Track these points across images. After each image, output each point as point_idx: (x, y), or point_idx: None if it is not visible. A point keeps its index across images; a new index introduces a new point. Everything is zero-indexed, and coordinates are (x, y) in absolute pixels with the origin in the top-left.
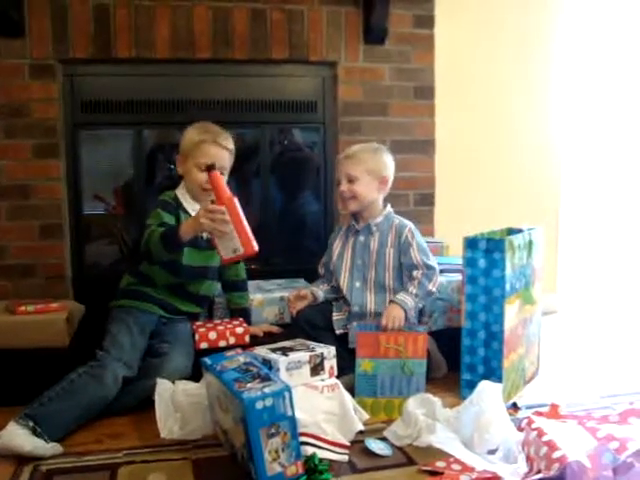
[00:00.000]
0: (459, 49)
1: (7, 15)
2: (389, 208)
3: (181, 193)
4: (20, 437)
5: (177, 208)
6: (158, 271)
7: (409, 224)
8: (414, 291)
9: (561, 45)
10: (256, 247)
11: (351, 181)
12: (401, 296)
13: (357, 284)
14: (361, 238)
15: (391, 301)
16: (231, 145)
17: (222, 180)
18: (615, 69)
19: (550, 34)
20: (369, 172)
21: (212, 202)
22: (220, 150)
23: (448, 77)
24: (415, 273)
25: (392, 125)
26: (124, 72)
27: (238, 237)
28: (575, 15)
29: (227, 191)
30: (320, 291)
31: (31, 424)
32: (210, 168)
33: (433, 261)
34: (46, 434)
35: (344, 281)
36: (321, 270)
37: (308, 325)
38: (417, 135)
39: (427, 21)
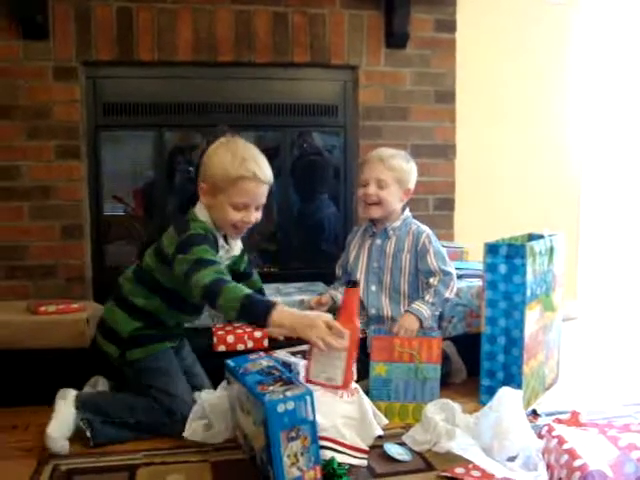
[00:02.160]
0: (480, 53)
1: (31, 18)
2: (407, 212)
3: (207, 222)
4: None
5: (216, 244)
6: (166, 311)
7: (426, 230)
8: (430, 300)
9: (582, 49)
10: (352, 385)
11: (380, 187)
12: (417, 305)
13: (372, 287)
14: (378, 241)
15: (406, 310)
16: (271, 174)
17: (357, 301)
18: (635, 73)
19: (570, 38)
20: (398, 181)
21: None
22: (261, 187)
23: (469, 82)
24: (432, 280)
25: (412, 129)
26: (146, 75)
27: (342, 368)
28: (595, 19)
29: (356, 318)
30: (339, 294)
31: (88, 433)
32: (354, 284)
33: (450, 267)
34: (93, 440)
35: (359, 284)
36: (339, 271)
37: None
38: (437, 140)
39: (448, 25)
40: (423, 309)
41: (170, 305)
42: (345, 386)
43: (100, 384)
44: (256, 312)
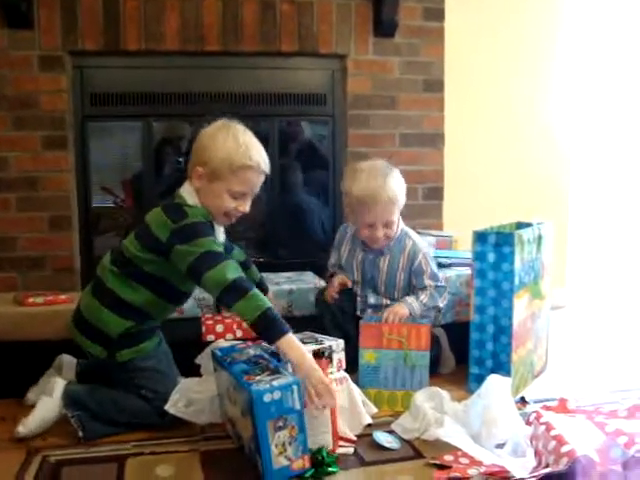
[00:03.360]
0: (468, 42)
1: (16, 6)
2: (401, 225)
3: (198, 206)
4: (53, 411)
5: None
6: (156, 302)
7: (422, 249)
8: (424, 300)
9: (570, 38)
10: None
11: (388, 226)
12: (410, 299)
13: (370, 294)
14: (370, 256)
15: (399, 302)
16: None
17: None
18: (623, 61)
19: (559, 27)
20: (399, 207)
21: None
22: (261, 177)
23: (457, 70)
24: (427, 287)
25: (401, 118)
26: (133, 64)
27: (331, 432)
28: (584, 8)
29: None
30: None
31: (80, 433)
32: (320, 354)
33: (443, 283)
34: (84, 439)
35: (356, 292)
36: (333, 270)
37: (339, 311)
38: (426, 128)
39: (437, 14)
40: (415, 306)
41: (160, 295)
42: (335, 449)
43: (65, 365)
44: (269, 330)
